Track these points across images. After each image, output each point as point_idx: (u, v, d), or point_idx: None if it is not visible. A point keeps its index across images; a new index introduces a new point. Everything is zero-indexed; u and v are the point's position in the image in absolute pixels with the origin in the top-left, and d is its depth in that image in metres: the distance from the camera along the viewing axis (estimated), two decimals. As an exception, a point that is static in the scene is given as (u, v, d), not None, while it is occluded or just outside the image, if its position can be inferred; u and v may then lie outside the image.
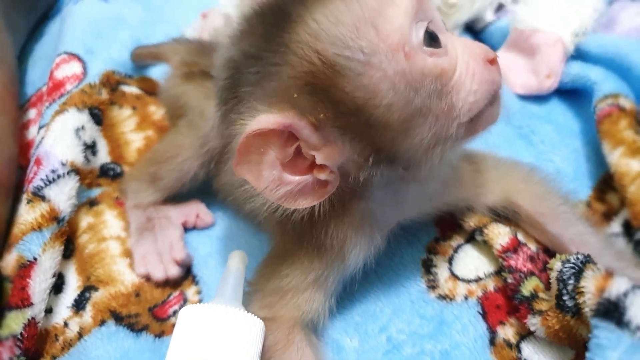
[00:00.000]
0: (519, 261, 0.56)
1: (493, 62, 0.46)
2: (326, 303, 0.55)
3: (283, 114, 0.41)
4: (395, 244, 0.61)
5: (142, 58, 0.87)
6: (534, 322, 0.52)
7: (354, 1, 0.41)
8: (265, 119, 0.41)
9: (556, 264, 0.52)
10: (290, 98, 0.41)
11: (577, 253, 0.52)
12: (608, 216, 0.65)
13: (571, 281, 0.49)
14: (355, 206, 0.51)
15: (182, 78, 0.75)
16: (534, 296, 0.53)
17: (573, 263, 0.50)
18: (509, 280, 0.55)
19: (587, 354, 0.44)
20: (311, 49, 0.41)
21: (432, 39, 0.43)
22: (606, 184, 0.67)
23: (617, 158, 0.63)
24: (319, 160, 0.43)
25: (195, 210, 0.71)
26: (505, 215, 0.61)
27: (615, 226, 0.63)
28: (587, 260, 0.50)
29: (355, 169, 0.45)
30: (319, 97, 0.41)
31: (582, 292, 0.47)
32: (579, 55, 0.78)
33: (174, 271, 0.65)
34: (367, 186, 0.49)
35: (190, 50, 0.79)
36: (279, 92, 0.42)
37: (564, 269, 0.50)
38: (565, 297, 0.49)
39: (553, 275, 0.52)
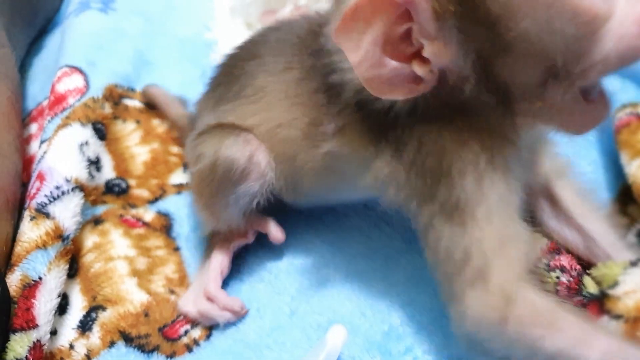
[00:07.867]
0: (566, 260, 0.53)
1: None
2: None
3: None
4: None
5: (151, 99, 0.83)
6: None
7: None
8: None
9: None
10: None
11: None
12: (628, 228, 0.62)
13: None
14: None
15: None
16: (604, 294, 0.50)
17: None
18: (563, 280, 0.52)
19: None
20: None
21: None
22: (626, 195, 0.65)
23: (635, 169, 0.61)
24: (426, 52, 0.39)
25: None
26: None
27: (631, 237, 0.61)
28: None
29: (456, 82, 0.41)
30: None
31: None
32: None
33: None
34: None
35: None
36: None
37: None
38: None
39: None
